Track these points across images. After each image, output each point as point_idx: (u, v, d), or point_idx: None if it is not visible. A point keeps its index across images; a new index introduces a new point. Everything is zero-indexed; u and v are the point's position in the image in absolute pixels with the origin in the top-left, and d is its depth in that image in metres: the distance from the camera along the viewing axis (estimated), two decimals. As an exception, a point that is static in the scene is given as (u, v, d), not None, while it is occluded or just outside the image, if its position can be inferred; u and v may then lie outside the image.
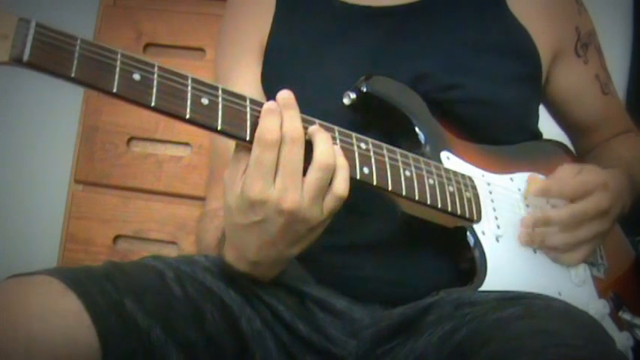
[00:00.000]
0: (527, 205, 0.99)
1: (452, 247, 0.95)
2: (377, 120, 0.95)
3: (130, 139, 1.76)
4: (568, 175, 0.97)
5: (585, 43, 1.13)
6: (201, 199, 1.60)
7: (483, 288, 0.90)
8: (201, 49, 1.74)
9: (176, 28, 1.75)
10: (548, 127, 1.16)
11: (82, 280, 0.77)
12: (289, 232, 0.79)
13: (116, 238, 1.74)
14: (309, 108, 0.81)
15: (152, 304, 0.80)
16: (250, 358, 0.87)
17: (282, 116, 0.77)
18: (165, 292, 0.83)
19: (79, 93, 1.84)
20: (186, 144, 1.73)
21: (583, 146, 1.19)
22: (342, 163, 0.79)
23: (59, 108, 2.02)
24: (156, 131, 1.74)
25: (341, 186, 0.79)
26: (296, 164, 0.76)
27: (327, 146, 0.78)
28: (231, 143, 0.81)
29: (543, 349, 0.70)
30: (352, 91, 0.93)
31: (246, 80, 1.06)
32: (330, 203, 0.79)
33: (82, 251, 1.73)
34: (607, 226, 0.98)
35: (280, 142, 0.76)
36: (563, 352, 0.69)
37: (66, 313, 0.73)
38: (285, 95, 0.78)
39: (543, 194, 0.97)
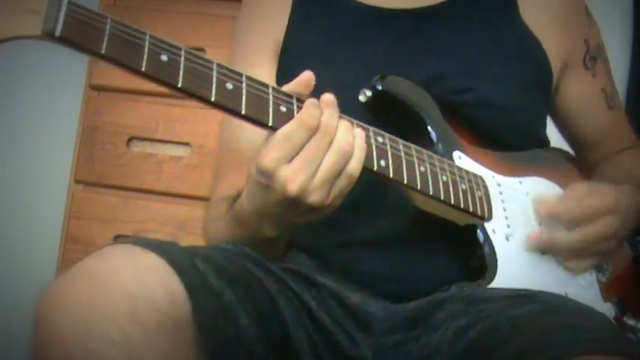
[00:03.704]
0: (535, 210, 1.00)
1: (461, 245, 0.95)
2: (390, 118, 0.96)
3: (130, 139, 1.76)
4: (578, 195, 0.98)
5: (594, 56, 1.13)
6: (201, 199, 1.60)
7: (492, 285, 0.91)
8: (201, 49, 1.74)
9: (176, 28, 1.75)
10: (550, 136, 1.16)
11: (151, 242, 0.77)
12: (290, 207, 0.81)
13: (116, 238, 1.73)
14: None
15: (219, 269, 0.81)
16: (290, 342, 0.87)
17: (322, 111, 0.80)
18: (228, 263, 0.84)
19: (79, 93, 1.84)
20: (187, 144, 1.73)
21: (587, 160, 1.19)
22: (360, 144, 0.82)
23: (59, 108, 2.02)
24: (156, 131, 1.74)
25: (355, 165, 0.81)
26: (317, 153, 0.79)
27: (348, 133, 0.80)
28: (245, 142, 0.83)
29: (573, 343, 0.70)
30: (368, 88, 0.95)
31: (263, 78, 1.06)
32: (340, 182, 0.81)
33: (82, 251, 1.73)
34: (613, 246, 0.99)
35: (314, 132, 0.79)
36: (594, 346, 0.70)
37: (158, 269, 0.73)
38: (329, 97, 0.82)
39: (554, 218, 0.97)
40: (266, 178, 0.79)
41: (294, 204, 0.80)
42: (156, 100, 1.73)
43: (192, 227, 1.65)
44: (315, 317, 0.91)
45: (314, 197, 0.79)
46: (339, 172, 0.80)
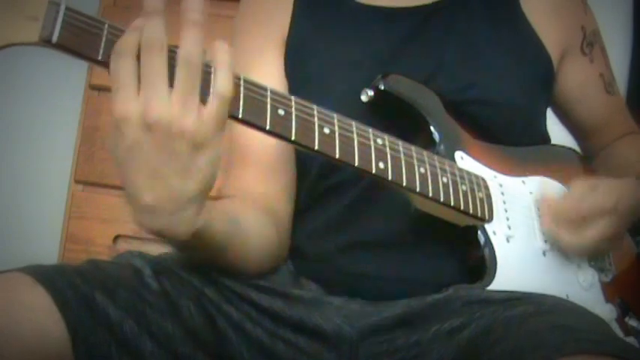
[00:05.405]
0: (539, 209, 1.00)
1: (461, 246, 0.95)
2: (394, 118, 0.96)
3: (130, 139, 1.75)
4: (579, 194, 0.97)
5: (590, 42, 1.14)
6: (202, 199, 1.60)
7: (492, 287, 0.91)
8: (201, 49, 1.74)
9: (176, 28, 1.75)
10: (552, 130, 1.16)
11: (51, 276, 0.77)
12: (169, 153, 0.69)
13: (116, 238, 1.74)
14: (328, 106, 0.82)
15: (125, 298, 0.80)
16: (231, 349, 0.86)
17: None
18: (140, 287, 0.83)
19: (79, 93, 1.84)
20: (186, 144, 1.73)
21: (589, 147, 1.19)
22: (222, 58, 0.73)
23: (59, 108, 2.02)
24: (156, 131, 1.74)
25: (223, 82, 0.71)
26: (156, 70, 0.70)
27: (194, 39, 0.72)
28: (251, 135, 0.79)
29: (564, 344, 0.70)
30: (370, 88, 0.95)
31: (270, 72, 1.05)
32: (211, 105, 0.70)
33: (82, 251, 1.73)
34: (611, 247, 1.00)
35: (139, 53, 0.70)
36: (585, 347, 0.69)
37: (34, 306, 0.73)
38: (151, 3, 0.73)
39: (554, 216, 0.96)
40: (125, 127, 0.69)
41: (168, 142, 0.69)
42: (156, 100, 1.73)
43: (193, 227, 1.65)
44: (278, 316, 0.89)
45: (183, 121, 0.68)
46: (194, 87, 0.70)
